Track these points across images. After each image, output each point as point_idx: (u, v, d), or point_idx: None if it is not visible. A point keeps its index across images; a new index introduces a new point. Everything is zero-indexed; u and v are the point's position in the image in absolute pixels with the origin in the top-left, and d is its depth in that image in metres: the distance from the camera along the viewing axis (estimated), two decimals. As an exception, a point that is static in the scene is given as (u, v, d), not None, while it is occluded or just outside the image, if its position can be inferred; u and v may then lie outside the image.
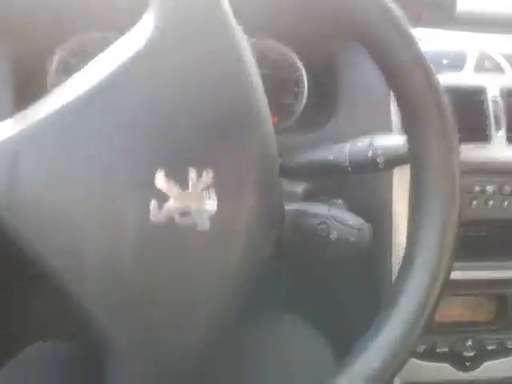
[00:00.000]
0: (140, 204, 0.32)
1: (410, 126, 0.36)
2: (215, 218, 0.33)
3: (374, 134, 0.46)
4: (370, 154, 0.45)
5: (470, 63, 0.58)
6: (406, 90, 0.35)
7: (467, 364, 0.62)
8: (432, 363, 0.62)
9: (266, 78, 0.62)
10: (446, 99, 0.35)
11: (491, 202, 0.57)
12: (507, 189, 0.57)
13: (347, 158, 0.46)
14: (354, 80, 0.58)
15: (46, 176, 0.31)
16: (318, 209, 0.47)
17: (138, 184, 0.32)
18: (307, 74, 0.63)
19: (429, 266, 0.34)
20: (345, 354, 0.34)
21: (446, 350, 0.61)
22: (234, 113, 0.34)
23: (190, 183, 0.32)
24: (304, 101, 0.63)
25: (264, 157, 0.36)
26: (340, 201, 0.50)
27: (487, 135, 0.57)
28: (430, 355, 0.61)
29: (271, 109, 0.62)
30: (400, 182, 0.56)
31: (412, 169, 0.38)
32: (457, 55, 0.59)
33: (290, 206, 0.47)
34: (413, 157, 0.37)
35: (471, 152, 0.56)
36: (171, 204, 0.32)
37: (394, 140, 0.45)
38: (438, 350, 0.61)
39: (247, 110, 0.35)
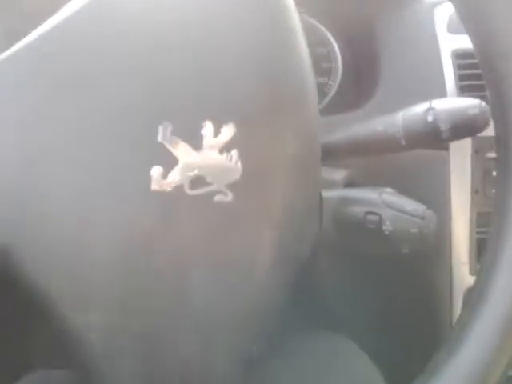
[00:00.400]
0: (138, 170, 0.23)
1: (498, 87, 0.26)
2: (239, 187, 0.23)
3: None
4: (430, 119, 0.35)
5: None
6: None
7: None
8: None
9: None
10: None
11: None
12: None
13: (400, 126, 0.36)
14: (395, 47, 0.49)
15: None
16: (367, 194, 0.37)
17: (135, 142, 0.23)
18: (342, 48, 0.56)
19: None
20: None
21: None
22: (266, 64, 0.25)
23: (205, 141, 0.23)
24: (339, 79, 0.55)
25: (302, 125, 0.27)
26: (389, 189, 0.40)
27: None
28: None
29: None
30: (458, 164, 0.46)
31: (496, 144, 0.28)
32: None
33: (330, 193, 0.38)
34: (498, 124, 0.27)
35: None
36: (180, 169, 0.23)
37: (463, 102, 0.35)
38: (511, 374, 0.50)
39: (284, 63, 0.26)
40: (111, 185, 0.23)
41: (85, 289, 0.23)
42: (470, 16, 0.26)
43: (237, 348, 0.27)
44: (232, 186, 0.23)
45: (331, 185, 0.42)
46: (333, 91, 0.56)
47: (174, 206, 0.23)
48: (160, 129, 0.23)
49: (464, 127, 0.35)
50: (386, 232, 0.36)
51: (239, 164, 0.23)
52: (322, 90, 0.56)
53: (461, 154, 0.46)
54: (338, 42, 0.56)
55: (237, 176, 0.23)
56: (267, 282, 0.26)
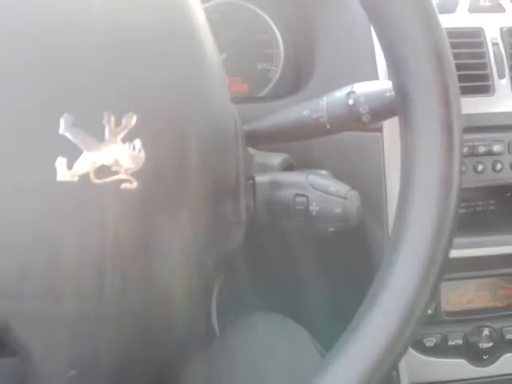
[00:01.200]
0: (42, 162, 0.23)
1: (396, 70, 0.28)
2: (143, 175, 0.24)
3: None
4: (350, 102, 0.36)
5: (464, 2, 0.50)
6: (394, 26, 0.26)
7: (484, 357, 0.53)
8: (443, 359, 0.53)
9: (233, 40, 0.57)
10: (444, 38, 0.27)
11: (499, 165, 0.48)
12: (517, 148, 0.49)
13: (324, 110, 0.37)
14: (330, 34, 0.51)
15: None
16: (295, 177, 0.39)
17: (38, 136, 0.23)
18: (283, 36, 0.57)
19: (422, 247, 0.26)
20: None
21: (460, 342, 0.52)
22: (163, 50, 0.26)
23: (107, 132, 0.24)
24: (281, 64, 0.56)
25: (209, 113, 0.28)
26: (324, 172, 0.41)
27: (489, 86, 0.49)
28: (441, 350, 0.53)
29: (242, 75, 0.57)
30: (392, 144, 0.47)
31: (400, 124, 0.30)
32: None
33: (263, 178, 0.39)
34: (400, 108, 0.29)
35: (471, 106, 0.48)
36: (84, 158, 0.23)
37: (381, 85, 0.36)
38: (450, 343, 0.52)
39: (185, 40, 0.27)
40: (17, 178, 0.23)
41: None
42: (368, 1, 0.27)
43: (161, 333, 0.28)
44: (137, 174, 0.24)
45: (268, 169, 0.44)
46: (276, 76, 0.57)
47: (81, 195, 0.24)
48: (61, 121, 0.23)
49: (382, 110, 0.36)
50: (313, 213, 0.37)
51: (142, 152, 0.24)
52: (266, 76, 0.57)
53: (394, 133, 0.48)
54: (279, 29, 0.58)
55: (141, 164, 0.24)
56: (182, 267, 0.27)
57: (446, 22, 0.49)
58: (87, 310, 0.25)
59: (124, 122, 0.24)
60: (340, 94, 0.38)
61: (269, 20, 0.58)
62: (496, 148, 0.48)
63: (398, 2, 0.26)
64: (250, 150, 0.43)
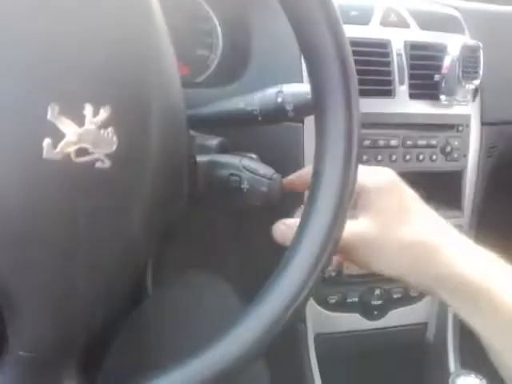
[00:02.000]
0: (32, 141, 0.28)
1: (311, 73, 0.35)
2: (115, 157, 0.30)
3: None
4: (279, 100, 0.44)
5: (377, 17, 0.59)
6: (308, 36, 0.33)
7: (375, 313, 0.65)
8: (342, 314, 0.64)
9: (175, 28, 0.62)
10: (348, 50, 0.34)
11: (394, 156, 0.59)
12: (409, 143, 0.59)
13: (257, 105, 0.45)
14: (266, 32, 0.57)
15: None
16: (230, 160, 0.46)
17: (29, 120, 0.29)
18: (222, 26, 0.62)
19: (322, 225, 0.34)
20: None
21: (356, 299, 0.63)
22: (134, 49, 0.32)
23: (87, 120, 0.29)
24: (219, 53, 0.62)
25: (167, 99, 0.34)
26: (253, 155, 0.49)
27: (391, 90, 0.59)
28: (340, 306, 0.63)
29: (182, 59, 0.62)
30: (311, 134, 0.55)
31: (315, 119, 0.37)
32: (364, 8, 0.60)
33: (202, 158, 0.46)
34: (314, 106, 0.36)
35: (375, 106, 0.58)
36: (66, 141, 0.29)
37: (304, 88, 0.44)
38: (348, 301, 0.63)
39: (148, 46, 0.33)
40: (10, 152, 0.28)
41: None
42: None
43: (115, 284, 0.34)
44: (110, 156, 0.30)
45: (206, 149, 0.50)
46: (214, 64, 0.63)
47: (63, 170, 0.29)
48: (49, 109, 0.29)
49: (304, 108, 0.44)
50: (244, 190, 0.45)
51: (115, 138, 0.30)
52: (204, 63, 0.62)
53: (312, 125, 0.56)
54: (219, 20, 0.63)
55: (113, 148, 0.30)
56: (141, 235, 0.33)
57: (360, 32, 0.58)
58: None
59: (101, 112, 0.30)
60: (271, 91, 0.45)
61: (210, 10, 0.63)
62: (393, 142, 0.58)
63: (309, 15, 0.33)
64: (191, 132, 0.50)
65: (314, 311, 0.63)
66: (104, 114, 0.30)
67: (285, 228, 0.41)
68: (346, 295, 0.63)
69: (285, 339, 0.32)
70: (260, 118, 0.45)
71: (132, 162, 0.31)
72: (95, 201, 0.31)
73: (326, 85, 0.34)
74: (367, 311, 0.65)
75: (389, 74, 0.58)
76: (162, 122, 0.33)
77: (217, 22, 0.63)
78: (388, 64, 0.58)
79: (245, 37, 0.59)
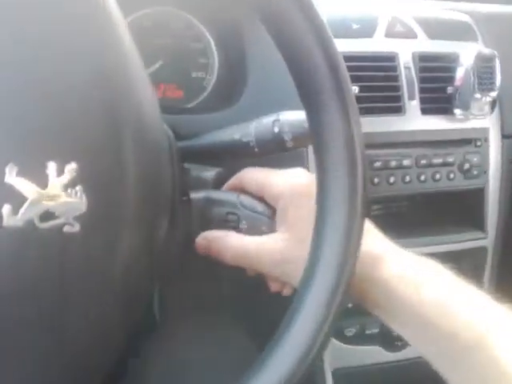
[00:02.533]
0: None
1: (304, 100, 0.31)
2: (85, 219, 0.27)
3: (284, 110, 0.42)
4: (276, 130, 0.40)
5: (381, 28, 0.55)
6: (298, 59, 0.30)
7: (397, 343, 0.60)
8: (361, 346, 0.59)
9: (167, 50, 0.59)
10: (342, 68, 0.30)
11: (408, 177, 0.54)
12: (423, 162, 0.55)
13: (253, 135, 0.41)
14: (263, 52, 0.53)
15: None
16: (227, 196, 0.42)
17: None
18: (217, 45, 0.58)
19: (333, 265, 0.30)
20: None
21: (376, 330, 0.59)
22: (97, 90, 0.28)
23: (50, 180, 0.26)
24: (215, 74, 0.58)
25: (143, 142, 0.30)
26: (253, 186, 0.45)
27: (401, 106, 0.55)
28: (359, 338, 0.59)
29: (176, 83, 0.59)
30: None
31: (313, 149, 0.33)
32: (367, 20, 0.55)
33: (198, 194, 0.42)
34: (312, 135, 0.32)
35: (385, 125, 0.53)
36: (28, 205, 0.26)
37: (303, 115, 0.40)
38: (367, 332, 0.59)
39: (114, 85, 0.29)
40: None
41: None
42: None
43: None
44: (79, 218, 0.27)
45: (203, 183, 0.47)
46: (210, 86, 0.59)
47: (27, 239, 0.26)
48: (6, 170, 0.25)
49: (303, 137, 0.40)
50: (243, 230, 0.41)
51: (84, 198, 0.27)
52: (200, 85, 0.59)
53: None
54: (213, 39, 0.60)
55: (83, 209, 0.27)
56: (124, 281, 0.30)
57: (364, 46, 0.54)
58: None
59: (66, 170, 0.26)
60: (267, 121, 0.41)
61: (203, 29, 0.60)
62: (405, 162, 0.54)
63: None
64: (185, 165, 0.46)
65: (330, 345, 0.59)
66: (69, 171, 0.26)
67: (205, 242, 0.40)
68: (365, 326, 0.59)
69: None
70: (257, 150, 0.42)
71: (106, 220, 0.28)
72: (66, 270, 0.27)
73: (323, 116, 0.30)
74: (388, 342, 0.60)
75: (397, 89, 0.54)
76: (141, 167, 0.30)
77: (211, 40, 0.59)
78: (396, 78, 0.54)
79: (241, 55, 0.56)
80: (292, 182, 0.38)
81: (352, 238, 0.30)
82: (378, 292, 0.34)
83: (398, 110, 0.54)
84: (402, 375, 0.62)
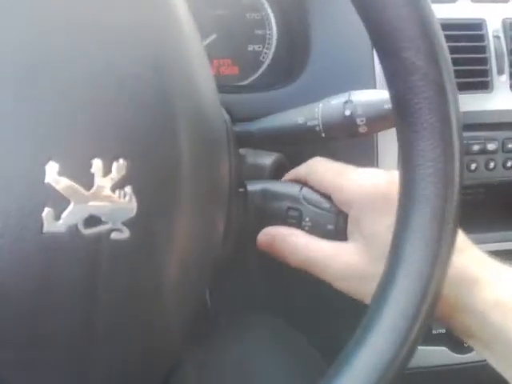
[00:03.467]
0: (28, 213, 0.22)
1: (392, 76, 0.26)
2: (136, 224, 0.23)
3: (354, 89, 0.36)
4: (347, 113, 0.35)
5: (467, -9, 0.47)
6: (384, 25, 0.24)
7: (464, 345, 0.55)
8: (427, 347, 0.55)
9: (222, 22, 0.54)
10: (441, 38, 0.24)
11: (492, 164, 0.48)
12: (510, 146, 0.48)
13: (320, 119, 0.36)
14: (328, 21, 0.48)
15: None
16: (288, 189, 0.38)
17: (23, 185, 0.22)
18: (276, 15, 0.53)
19: (418, 268, 0.25)
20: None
21: (443, 331, 0.54)
22: (152, 80, 0.24)
23: (96, 180, 0.23)
24: (273, 47, 0.53)
25: (201, 132, 0.26)
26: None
27: (488, 82, 0.48)
28: (425, 339, 0.54)
29: (231, 58, 0.55)
30: (386, 144, 0.46)
31: (398, 135, 0.28)
32: (450, -19, 0.48)
33: (254, 186, 0.38)
34: (397, 118, 0.27)
35: (468, 103, 0.47)
36: (72, 209, 0.22)
37: (379, 95, 0.35)
38: (433, 332, 0.54)
39: (172, 74, 0.25)
40: (3, 229, 0.22)
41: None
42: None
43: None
44: (129, 223, 0.23)
45: (260, 170, 0.42)
46: (268, 60, 0.55)
47: (69, 247, 0.23)
48: (47, 169, 0.22)
49: (379, 122, 0.35)
50: (306, 228, 0.36)
51: (134, 200, 0.23)
52: (257, 58, 0.54)
53: (389, 137, 0.47)
54: (272, 8, 0.54)
55: (132, 213, 0.23)
56: (177, 292, 0.27)
57: (446, 12, 0.47)
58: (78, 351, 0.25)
59: (114, 169, 0.23)
60: (336, 102, 0.36)
61: (262, -2, 0.54)
62: (490, 146, 0.47)
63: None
64: (241, 150, 0.42)
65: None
66: (118, 170, 0.23)
67: (268, 239, 0.36)
68: (432, 326, 0.54)
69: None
70: (324, 135, 0.37)
71: (159, 225, 0.24)
72: (113, 282, 0.24)
73: (412, 92, 0.24)
74: (456, 343, 0.55)
75: (484, 62, 0.47)
76: (197, 161, 0.26)
77: (270, 10, 0.54)
78: (483, 50, 0.47)
79: (303, 27, 0.50)
80: (367, 187, 0.32)
81: (440, 256, 0.24)
82: (471, 321, 0.29)
83: (484, 86, 0.48)
84: (468, 378, 0.57)
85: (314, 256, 0.33)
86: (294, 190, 0.37)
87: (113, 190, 0.23)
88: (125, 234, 0.23)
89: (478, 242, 0.49)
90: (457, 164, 0.25)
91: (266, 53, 0.54)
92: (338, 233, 0.35)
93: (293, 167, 0.43)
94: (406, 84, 0.24)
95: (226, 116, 0.38)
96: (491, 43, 0.47)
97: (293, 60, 0.53)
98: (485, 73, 0.47)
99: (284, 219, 0.37)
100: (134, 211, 0.23)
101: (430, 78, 0.23)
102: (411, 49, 0.23)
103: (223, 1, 0.53)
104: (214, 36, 0.53)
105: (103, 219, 0.23)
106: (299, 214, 0.36)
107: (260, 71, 0.54)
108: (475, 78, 0.47)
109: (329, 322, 0.42)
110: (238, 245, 0.38)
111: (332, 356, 0.25)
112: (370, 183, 0.33)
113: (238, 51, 0.54)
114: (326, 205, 0.36)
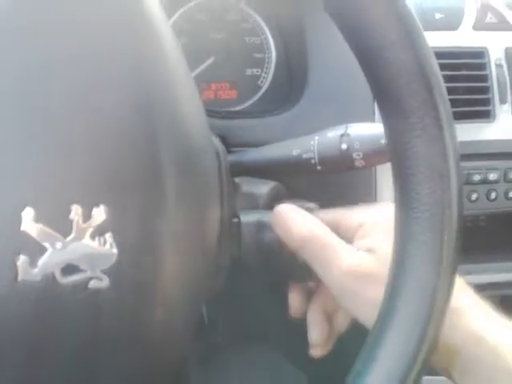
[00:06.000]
0: (2, 261, 0.21)
1: (384, 108, 0.24)
2: (115, 271, 0.22)
3: (351, 121, 0.35)
4: (344, 147, 0.34)
5: (469, 19, 0.46)
6: (378, 59, 0.23)
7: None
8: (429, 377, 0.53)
9: (221, 46, 0.54)
10: (434, 65, 0.23)
11: (494, 194, 0.46)
12: (513, 176, 0.47)
13: (315, 152, 0.35)
14: (327, 48, 0.47)
15: None
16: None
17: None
18: (275, 39, 0.53)
19: (419, 304, 0.23)
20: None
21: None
22: (135, 120, 0.23)
23: (75, 227, 0.22)
24: (272, 71, 0.53)
25: (189, 172, 0.25)
26: (313, 204, 0.39)
27: (489, 111, 0.47)
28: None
29: (230, 81, 0.54)
30: (385, 179, 0.45)
31: (393, 170, 0.27)
32: (453, 8, 0.47)
33: (248, 217, 0.37)
34: (392, 153, 0.25)
35: (469, 133, 0.46)
36: (48, 256, 0.21)
37: (377, 129, 0.34)
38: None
39: (157, 114, 0.24)
40: None
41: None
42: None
43: None
44: (108, 271, 0.22)
45: (255, 200, 0.41)
46: (266, 84, 0.54)
47: (45, 296, 0.22)
48: (23, 216, 0.21)
49: (376, 157, 0.34)
50: (303, 262, 0.35)
51: (114, 247, 0.22)
52: (255, 83, 0.53)
53: (388, 167, 0.45)
54: (271, 32, 0.54)
55: (112, 260, 0.22)
56: (166, 350, 0.26)
57: (448, 40, 0.46)
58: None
59: (94, 215, 0.22)
60: (333, 135, 0.35)
61: (260, 21, 0.54)
62: (491, 176, 0.46)
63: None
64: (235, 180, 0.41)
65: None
66: (98, 216, 0.22)
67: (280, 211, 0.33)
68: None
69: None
70: (319, 168, 0.36)
71: (141, 271, 0.23)
72: (93, 333, 0.23)
73: (409, 124, 0.23)
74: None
75: (486, 90, 0.46)
76: (185, 200, 0.25)
77: (269, 34, 0.53)
78: (485, 78, 0.46)
79: (302, 52, 0.50)
80: (376, 212, 0.32)
81: (438, 298, 0.23)
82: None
83: (486, 115, 0.47)
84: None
85: (324, 239, 0.31)
86: None
87: (92, 237, 0.22)
88: (104, 282, 0.22)
89: (480, 271, 0.48)
90: (455, 208, 0.24)
91: (264, 77, 0.54)
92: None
93: (290, 196, 0.42)
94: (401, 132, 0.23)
95: (219, 147, 0.37)
96: (493, 72, 0.46)
97: (291, 85, 0.52)
98: (487, 102, 0.46)
99: (279, 252, 0.36)
100: (114, 258, 0.22)
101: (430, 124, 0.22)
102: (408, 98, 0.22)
103: (222, 24, 0.53)
104: (212, 59, 0.53)
105: (82, 267, 0.22)
106: None
107: (258, 95, 0.54)
108: (477, 107, 0.46)
109: (329, 361, 0.41)
110: (233, 277, 0.37)
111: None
112: (378, 210, 0.33)
113: (236, 75, 0.53)
114: None
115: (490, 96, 0.46)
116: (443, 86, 0.23)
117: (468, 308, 0.29)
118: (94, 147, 0.22)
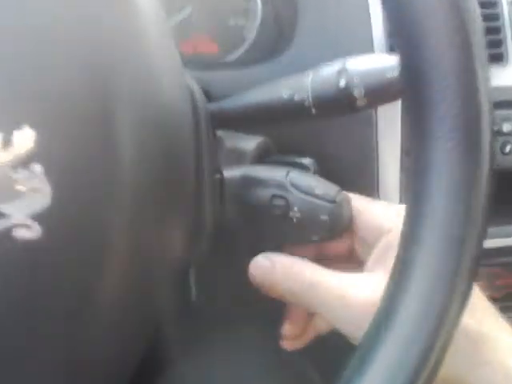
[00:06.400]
0: None
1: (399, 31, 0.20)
2: (50, 217, 0.17)
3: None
4: (342, 83, 0.29)
5: (478, -51, 0.41)
6: None
7: None
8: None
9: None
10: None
11: (509, 147, 0.42)
12: (529, 126, 0.42)
13: (309, 93, 0.30)
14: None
15: None
16: (273, 174, 0.32)
17: None
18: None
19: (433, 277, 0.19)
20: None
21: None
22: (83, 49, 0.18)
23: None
24: (258, 21, 0.47)
25: (148, 111, 0.20)
26: (308, 159, 0.34)
27: (502, 53, 0.42)
28: None
29: (210, 34, 0.49)
30: (387, 123, 0.40)
31: (407, 108, 0.23)
32: None
33: (232, 172, 0.32)
34: (408, 86, 0.20)
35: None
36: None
37: (381, 61, 0.29)
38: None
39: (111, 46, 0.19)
40: None
41: None
42: None
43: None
44: (40, 216, 0.17)
45: (241, 156, 0.36)
46: (252, 35, 0.48)
47: None
48: None
49: (381, 93, 0.29)
50: (294, 219, 0.31)
51: (47, 184, 0.17)
52: (239, 34, 0.48)
53: (389, 112, 0.41)
54: None
55: (46, 201, 0.17)
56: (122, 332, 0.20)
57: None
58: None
59: (15, 140, 0.16)
60: (329, 71, 0.30)
61: (244, -33, 0.48)
62: (506, 127, 0.41)
63: None
64: (219, 131, 0.36)
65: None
66: (22, 142, 0.16)
67: (268, 265, 0.30)
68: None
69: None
70: (314, 111, 0.30)
71: (85, 222, 0.18)
72: (26, 300, 0.17)
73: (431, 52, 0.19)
74: None
75: (497, 31, 0.42)
76: (142, 144, 0.19)
77: None
78: (496, 17, 0.41)
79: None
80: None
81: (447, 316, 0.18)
82: None
83: (497, 58, 0.42)
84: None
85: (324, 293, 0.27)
86: (279, 174, 0.31)
87: (14, 168, 0.16)
88: (34, 231, 0.17)
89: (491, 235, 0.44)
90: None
91: (249, 27, 0.48)
92: (334, 223, 0.29)
93: (279, 151, 0.37)
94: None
95: (197, 94, 0.32)
96: (505, 10, 0.42)
97: (279, 34, 0.47)
98: (498, 43, 0.42)
99: (268, 209, 0.31)
100: (48, 200, 0.17)
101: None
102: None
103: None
104: (189, 8, 0.47)
105: (5, 211, 0.16)
106: (286, 202, 0.30)
107: (243, 49, 0.48)
108: (487, 49, 0.41)
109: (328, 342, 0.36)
110: (218, 241, 0.32)
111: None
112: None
113: (217, 26, 0.48)
114: (319, 191, 0.30)
115: (501, 37, 0.42)
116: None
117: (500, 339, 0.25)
118: (29, 55, 0.16)
